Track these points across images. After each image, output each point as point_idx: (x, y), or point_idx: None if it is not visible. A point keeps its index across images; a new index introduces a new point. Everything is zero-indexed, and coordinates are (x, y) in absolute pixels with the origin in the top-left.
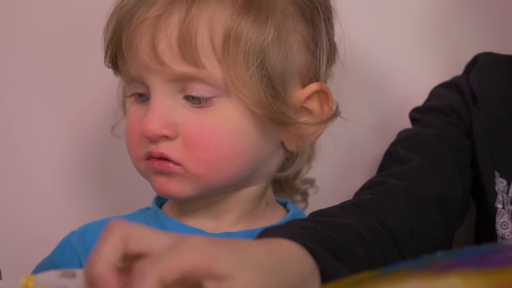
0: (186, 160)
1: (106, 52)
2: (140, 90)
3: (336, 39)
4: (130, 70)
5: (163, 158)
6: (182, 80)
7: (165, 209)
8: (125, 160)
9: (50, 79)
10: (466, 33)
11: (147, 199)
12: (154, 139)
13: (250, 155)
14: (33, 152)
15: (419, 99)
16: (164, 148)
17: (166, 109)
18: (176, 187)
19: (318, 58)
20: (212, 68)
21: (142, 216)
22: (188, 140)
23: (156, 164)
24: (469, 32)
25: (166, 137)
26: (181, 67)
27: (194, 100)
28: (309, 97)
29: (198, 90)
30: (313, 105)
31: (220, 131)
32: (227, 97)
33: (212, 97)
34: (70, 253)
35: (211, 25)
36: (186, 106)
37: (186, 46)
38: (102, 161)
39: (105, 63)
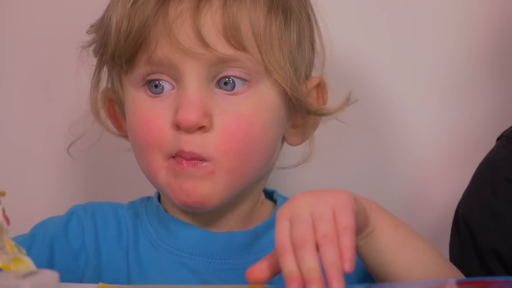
0: (219, 155)
1: (115, 48)
2: (161, 77)
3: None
4: (159, 56)
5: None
6: (221, 64)
7: (165, 203)
8: (121, 158)
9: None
10: (463, 35)
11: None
12: (193, 131)
13: (273, 146)
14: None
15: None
16: (195, 146)
17: (203, 97)
18: (205, 192)
19: (315, 53)
20: (253, 52)
21: (143, 207)
22: (225, 132)
23: (185, 162)
24: (467, 34)
25: (203, 128)
26: (226, 50)
27: (227, 86)
28: (311, 90)
29: (235, 71)
30: (313, 97)
31: (255, 122)
32: (261, 84)
33: (247, 81)
34: (77, 226)
35: (250, 16)
36: (220, 94)
37: (231, 29)
38: (97, 159)
39: (112, 57)
